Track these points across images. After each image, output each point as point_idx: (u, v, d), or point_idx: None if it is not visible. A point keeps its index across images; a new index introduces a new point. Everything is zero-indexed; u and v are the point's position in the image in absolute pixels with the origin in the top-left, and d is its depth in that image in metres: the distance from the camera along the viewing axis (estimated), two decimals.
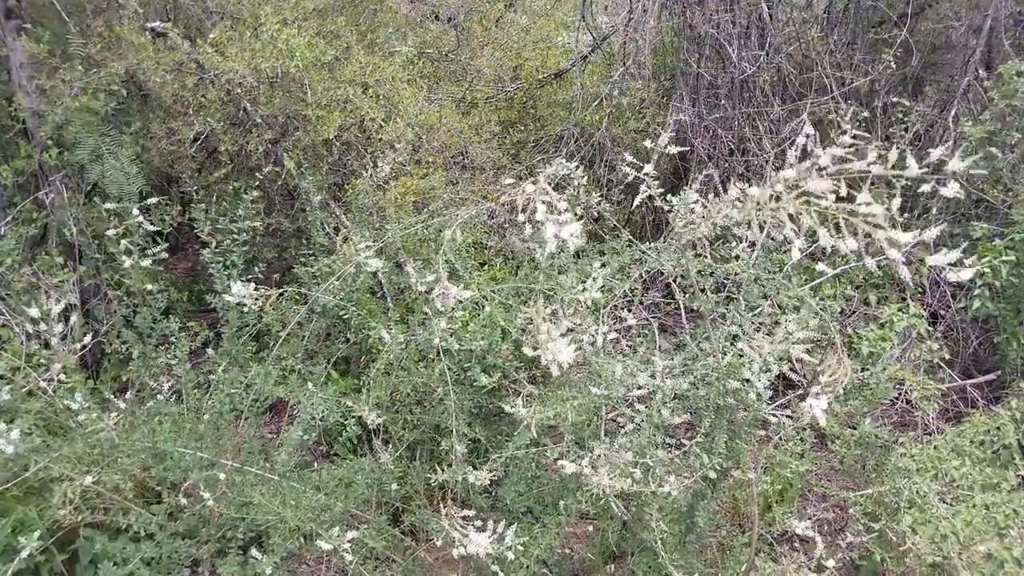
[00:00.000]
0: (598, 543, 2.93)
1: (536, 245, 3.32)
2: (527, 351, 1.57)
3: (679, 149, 1.97)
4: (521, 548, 2.59)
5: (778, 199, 1.38)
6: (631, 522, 2.82)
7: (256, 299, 2.39)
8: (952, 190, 1.25)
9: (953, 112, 4.41)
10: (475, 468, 2.96)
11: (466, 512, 1.94)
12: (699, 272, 2.25)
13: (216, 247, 3.49)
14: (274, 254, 4.54)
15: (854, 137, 1.38)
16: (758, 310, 2.40)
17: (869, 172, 1.25)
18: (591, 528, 3.22)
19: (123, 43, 4.00)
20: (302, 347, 3.54)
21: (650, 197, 1.98)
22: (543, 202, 1.32)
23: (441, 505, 1.93)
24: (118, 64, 3.83)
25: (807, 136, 1.44)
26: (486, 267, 3.93)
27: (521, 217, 1.47)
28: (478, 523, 1.94)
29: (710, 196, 1.76)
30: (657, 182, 2.11)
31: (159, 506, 2.91)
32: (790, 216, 1.35)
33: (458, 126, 4.66)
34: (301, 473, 2.76)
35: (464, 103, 5.29)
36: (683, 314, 4.72)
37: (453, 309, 2.41)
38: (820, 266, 1.85)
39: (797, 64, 5.15)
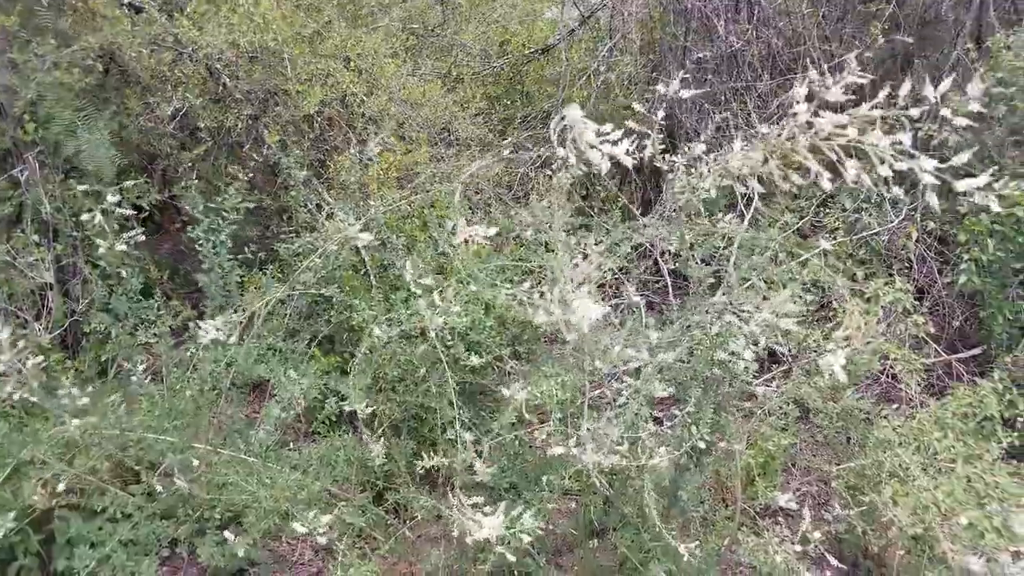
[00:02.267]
0: (581, 519, 2.92)
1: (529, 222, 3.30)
2: (540, 318, 1.53)
3: (693, 93, 1.91)
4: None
5: (792, 139, 1.34)
6: (613, 497, 2.81)
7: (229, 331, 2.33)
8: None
9: (940, 87, 4.36)
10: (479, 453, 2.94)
11: (476, 499, 1.90)
12: (691, 244, 2.23)
13: (205, 228, 3.44)
14: (256, 232, 4.47)
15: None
16: (747, 283, 2.38)
17: (876, 115, 1.22)
18: (574, 505, 3.21)
19: (98, 17, 3.91)
20: (284, 325, 3.50)
21: (642, 169, 1.93)
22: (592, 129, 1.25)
23: (449, 493, 1.89)
24: (92, 38, 3.75)
25: (810, 80, 1.40)
26: (467, 243, 3.88)
27: (561, 151, 1.39)
28: (487, 508, 1.90)
29: (711, 155, 1.72)
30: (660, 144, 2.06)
31: (137, 487, 2.88)
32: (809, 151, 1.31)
33: (443, 101, 4.59)
34: (279, 452, 2.73)
35: (450, 78, 5.21)
36: (670, 292, 4.70)
37: (453, 299, 2.38)
38: (822, 243, 1.81)
39: (786, 39, 5.09)
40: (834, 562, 2.07)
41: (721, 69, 4.85)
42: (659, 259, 4.81)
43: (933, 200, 1.23)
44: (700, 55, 4.88)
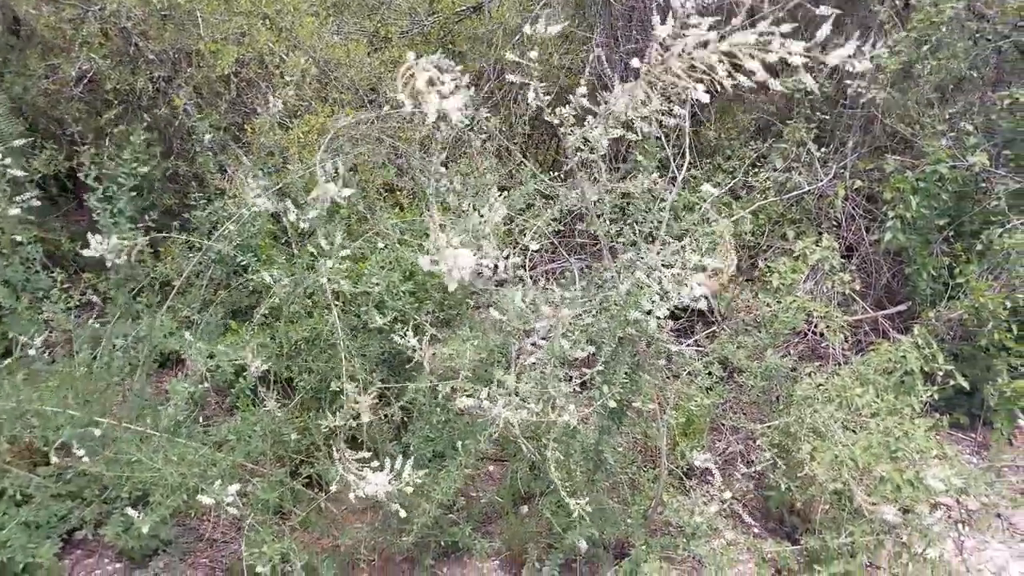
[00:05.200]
0: (507, 485, 2.88)
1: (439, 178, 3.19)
2: (423, 264, 1.45)
3: (559, 27, 1.83)
4: (418, 490, 2.52)
5: (663, 62, 1.28)
6: (540, 462, 2.78)
7: (123, 250, 2.19)
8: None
9: (870, 43, 4.36)
10: (385, 418, 2.86)
11: (362, 454, 1.83)
12: (595, 203, 2.17)
13: (103, 192, 3.26)
14: (175, 200, 4.28)
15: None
16: (671, 245, 2.33)
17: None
18: (492, 468, 3.17)
19: None
20: (200, 297, 3.36)
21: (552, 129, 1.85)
22: (424, 75, 1.17)
23: (332, 448, 1.82)
24: None
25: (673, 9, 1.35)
26: (396, 208, 3.77)
27: (402, 96, 1.32)
28: (375, 463, 1.84)
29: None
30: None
31: (45, 468, 2.74)
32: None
33: (369, 61, 4.42)
34: (191, 428, 2.62)
35: (377, 38, 5.03)
36: (606, 254, 4.65)
37: (341, 250, 2.28)
38: (705, 186, 1.74)
39: None
40: (747, 519, 2.06)
41: (648, 26, 4.77)
42: (595, 220, 4.76)
43: (808, 80, 1.18)
44: (624, 7, 4.80)
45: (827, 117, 4.49)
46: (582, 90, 1.72)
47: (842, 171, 4.27)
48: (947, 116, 3.86)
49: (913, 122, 3.98)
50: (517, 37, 5.34)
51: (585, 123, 1.76)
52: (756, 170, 4.31)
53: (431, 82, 1.12)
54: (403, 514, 1.92)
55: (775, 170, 4.31)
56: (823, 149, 4.33)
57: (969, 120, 3.93)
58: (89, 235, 2.19)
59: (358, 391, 2.02)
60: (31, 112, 4.38)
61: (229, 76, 4.05)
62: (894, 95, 4.10)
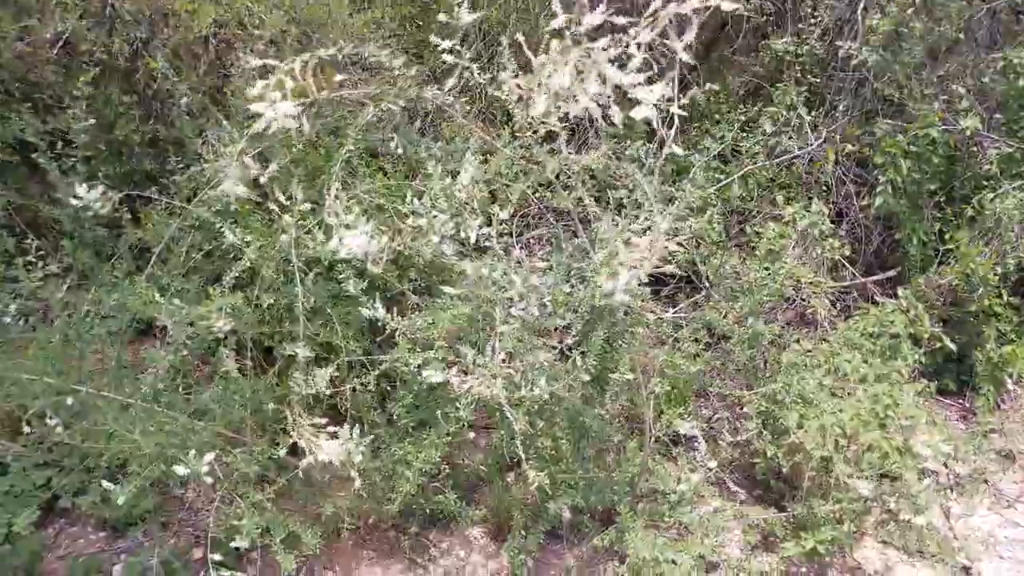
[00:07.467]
0: (492, 453, 2.86)
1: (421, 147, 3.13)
2: (331, 245, 1.45)
3: (475, 16, 1.81)
4: (400, 459, 2.51)
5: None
6: (524, 430, 2.76)
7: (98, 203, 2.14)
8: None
9: (862, 4, 4.28)
10: (364, 387, 2.83)
11: (316, 420, 1.81)
12: (557, 174, 2.14)
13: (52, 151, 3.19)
14: (155, 165, 4.19)
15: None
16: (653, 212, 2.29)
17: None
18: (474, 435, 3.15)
19: None
20: (180, 264, 3.30)
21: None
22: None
23: (288, 413, 1.79)
24: None
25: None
26: (380, 173, 3.70)
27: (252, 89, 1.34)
28: (331, 429, 1.82)
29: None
30: None
31: (23, 437, 2.71)
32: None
33: (351, 21, 4.32)
34: (172, 397, 2.58)
35: None
36: (577, 224, 4.60)
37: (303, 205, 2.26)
38: (673, 147, 1.66)
39: None
40: (733, 487, 2.05)
41: None
42: (561, 193, 4.70)
43: (645, 113, 1.19)
44: None
45: (817, 80, 4.42)
46: (505, 73, 1.68)
47: (832, 135, 4.22)
48: (936, 79, 3.80)
49: (903, 86, 3.92)
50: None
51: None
52: (745, 135, 4.25)
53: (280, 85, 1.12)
54: (358, 483, 1.91)
55: (764, 134, 4.24)
56: (813, 113, 4.27)
57: (961, 83, 3.87)
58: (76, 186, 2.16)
59: (334, 359, 1.99)
60: (5, 75, 4.27)
61: (207, 37, 3.95)
62: (886, 57, 4.03)
